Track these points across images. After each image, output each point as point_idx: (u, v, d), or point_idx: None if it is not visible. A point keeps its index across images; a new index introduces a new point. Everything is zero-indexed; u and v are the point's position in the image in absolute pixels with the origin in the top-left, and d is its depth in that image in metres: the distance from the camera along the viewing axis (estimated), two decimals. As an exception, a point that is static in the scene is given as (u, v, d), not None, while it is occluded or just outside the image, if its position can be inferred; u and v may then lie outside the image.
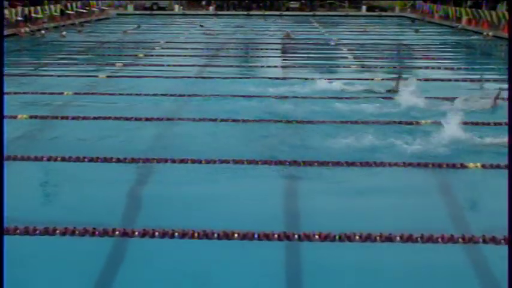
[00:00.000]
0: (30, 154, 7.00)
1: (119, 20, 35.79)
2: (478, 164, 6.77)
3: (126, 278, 4.44)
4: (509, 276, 3.65)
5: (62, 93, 11.10)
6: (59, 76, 13.22)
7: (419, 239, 4.81)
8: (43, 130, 8.63)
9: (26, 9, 27.28)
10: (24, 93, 11.01)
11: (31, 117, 8.96)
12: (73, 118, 9.02)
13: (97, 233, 4.95)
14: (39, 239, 4.90)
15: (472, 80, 13.37)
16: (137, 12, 42.15)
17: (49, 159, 6.91)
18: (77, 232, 4.95)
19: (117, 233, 4.97)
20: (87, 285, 4.29)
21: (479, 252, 4.75)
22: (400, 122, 8.93)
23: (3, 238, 3.93)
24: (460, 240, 4.82)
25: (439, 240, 4.80)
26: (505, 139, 7.66)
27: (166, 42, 21.59)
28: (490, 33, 24.94)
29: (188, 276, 4.45)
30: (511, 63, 12.61)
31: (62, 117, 9.11)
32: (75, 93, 11.13)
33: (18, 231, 4.92)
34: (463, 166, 6.77)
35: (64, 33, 24.19)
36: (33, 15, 27.56)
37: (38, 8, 28.77)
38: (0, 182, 4.16)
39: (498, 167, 6.73)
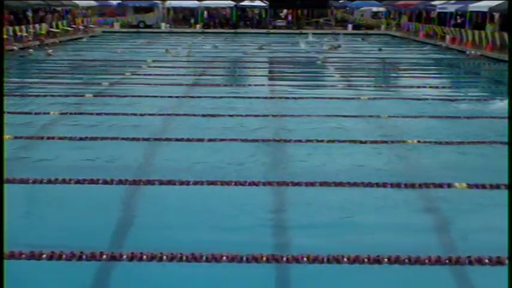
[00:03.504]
0: (16, 176, 6.93)
1: (105, 37, 35.80)
2: (464, 184, 6.83)
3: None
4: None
5: (48, 113, 11.05)
6: (45, 95, 13.16)
7: (406, 260, 4.83)
8: (28, 151, 8.56)
9: (11, 28, 27.19)
10: (9, 112, 10.91)
11: (16, 137, 8.88)
12: (59, 138, 8.97)
13: (84, 256, 4.91)
14: (25, 263, 4.85)
15: (456, 99, 13.54)
16: (123, 30, 42.21)
17: (34, 181, 6.85)
18: (63, 256, 4.90)
19: (104, 256, 4.93)
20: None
21: (466, 274, 4.78)
22: (386, 142, 9.01)
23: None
24: (447, 261, 4.85)
25: (426, 261, 4.83)
26: None
27: (154, 60, 21.63)
28: (473, 52, 25.33)
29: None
30: (511, 70, 12.73)
31: (48, 138, 9.06)
32: (62, 113, 11.09)
33: (3, 255, 4.85)
34: (449, 186, 6.82)
35: (50, 51, 24.15)
36: (18, 33, 27.47)
37: (23, 26, 28.71)
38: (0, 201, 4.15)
39: (484, 187, 6.80)
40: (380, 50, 27.07)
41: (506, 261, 4.77)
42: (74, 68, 19.37)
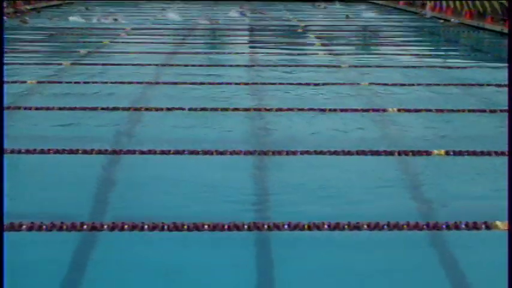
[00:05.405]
0: (-7, 147, 6.83)
1: (82, 3, 35.00)
2: (442, 151, 6.92)
3: (95, 273, 4.41)
4: (509, 269, 3.76)
5: (24, 81, 10.85)
6: (21, 64, 12.90)
7: (385, 226, 4.92)
8: (5, 121, 8.40)
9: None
10: (-15, 82, 10.71)
11: (-7, 107, 8.73)
12: (37, 109, 8.84)
13: (65, 227, 4.89)
14: (5, 235, 4.80)
15: (435, 67, 13.60)
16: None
17: (12, 151, 6.76)
18: (44, 227, 4.88)
19: (85, 227, 4.93)
20: (56, 280, 4.24)
21: (443, 239, 4.89)
22: (367, 110, 9.05)
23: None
24: (425, 227, 4.95)
25: (405, 227, 4.92)
26: None
27: (132, 28, 21.28)
28: (453, 20, 25.36)
29: (159, 269, 4.44)
30: (510, 59, 12.80)
31: (25, 108, 8.91)
32: (39, 82, 10.90)
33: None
34: (427, 153, 6.91)
35: (26, 18, 23.58)
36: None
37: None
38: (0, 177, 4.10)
39: (460, 153, 6.90)
40: (347, 17, 26.92)
41: (483, 226, 4.90)
42: (50, 36, 18.96)
